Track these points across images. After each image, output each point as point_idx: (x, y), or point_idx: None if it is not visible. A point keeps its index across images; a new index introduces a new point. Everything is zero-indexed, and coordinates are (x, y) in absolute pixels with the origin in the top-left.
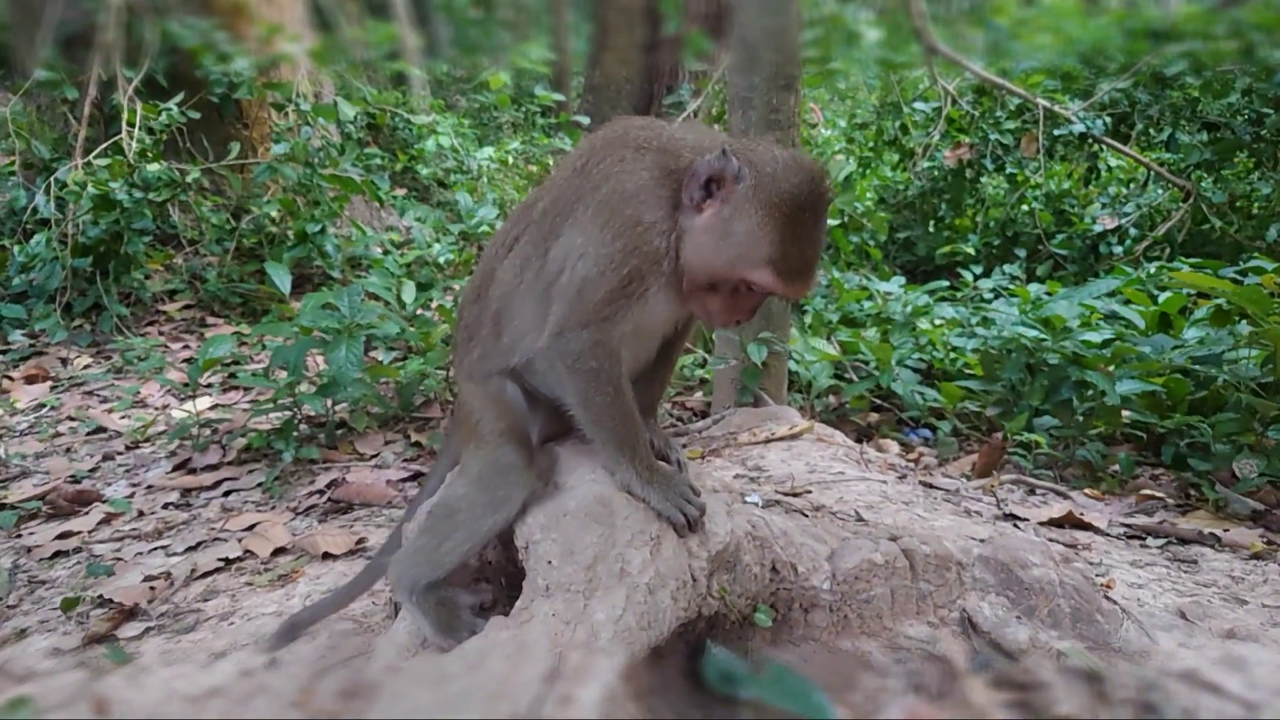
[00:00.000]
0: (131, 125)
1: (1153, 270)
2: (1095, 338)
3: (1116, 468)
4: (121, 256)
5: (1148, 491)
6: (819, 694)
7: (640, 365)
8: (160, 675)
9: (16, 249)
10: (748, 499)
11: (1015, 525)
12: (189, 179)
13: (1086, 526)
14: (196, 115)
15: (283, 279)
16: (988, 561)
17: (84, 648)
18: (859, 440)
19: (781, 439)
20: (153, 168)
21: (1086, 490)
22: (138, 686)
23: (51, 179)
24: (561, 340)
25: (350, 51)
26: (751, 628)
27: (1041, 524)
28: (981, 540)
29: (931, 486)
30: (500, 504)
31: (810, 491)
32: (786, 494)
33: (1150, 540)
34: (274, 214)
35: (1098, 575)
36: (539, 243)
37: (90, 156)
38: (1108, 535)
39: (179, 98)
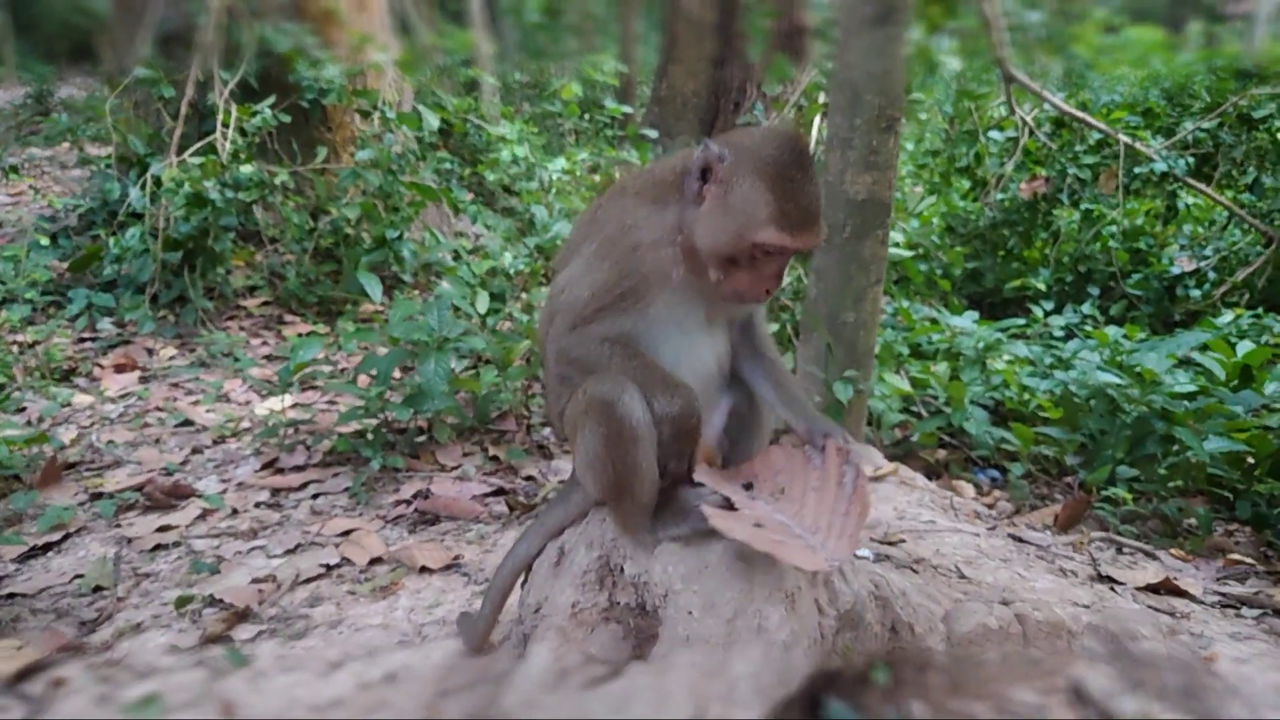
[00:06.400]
0: (226, 126)
1: (1244, 324)
2: (1179, 386)
3: (1193, 521)
4: (209, 252)
5: (1235, 556)
6: None
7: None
8: (280, 681)
9: (111, 241)
10: (859, 553)
11: (1113, 588)
12: (277, 180)
13: (1183, 593)
14: (288, 119)
15: (374, 288)
16: (1097, 630)
17: (201, 647)
18: (929, 477)
19: None
20: (246, 169)
21: (1173, 550)
22: (259, 691)
23: (148, 175)
24: (551, 345)
25: (429, 58)
26: (866, 685)
27: (1139, 589)
28: (1087, 606)
29: (1021, 540)
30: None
31: (904, 540)
32: (882, 542)
33: (1245, 610)
34: (351, 216)
35: (1200, 648)
36: (554, 276)
37: (186, 155)
38: (1204, 603)
39: (270, 100)
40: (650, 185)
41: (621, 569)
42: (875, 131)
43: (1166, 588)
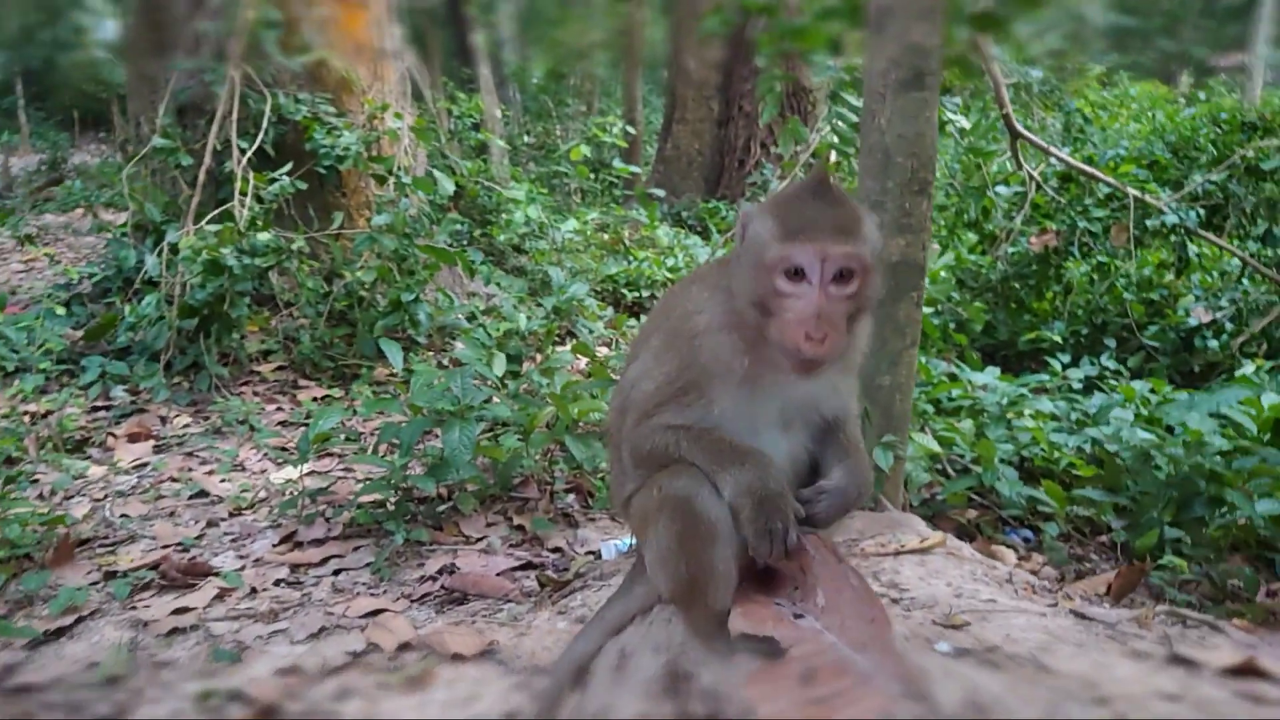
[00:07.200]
0: (244, 194)
1: (1264, 376)
2: (1219, 442)
3: (1237, 582)
4: (224, 318)
5: None
6: None
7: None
8: None
9: (127, 309)
10: (938, 647)
11: (1193, 671)
12: (294, 246)
13: (1266, 675)
14: (304, 185)
15: (395, 355)
16: None
17: None
18: (960, 538)
19: (912, 552)
20: (263, 236)
21: (1235, 621)
22: None
23: (164, 242)
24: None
25: (440, 123)
26: None
27: (1221, 672)
28: (1178, 697)
29: (1084, 617)
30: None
31: (969, 623)
32: (945, 625)
33: None
34: (367, 280)
35: None
36: (626, 367)
37: (204, 223)
38: None
39: (287, 168)
40: (712, 270)
41: (692, 677)
42: (908, 194)
43: (1249, 669)
